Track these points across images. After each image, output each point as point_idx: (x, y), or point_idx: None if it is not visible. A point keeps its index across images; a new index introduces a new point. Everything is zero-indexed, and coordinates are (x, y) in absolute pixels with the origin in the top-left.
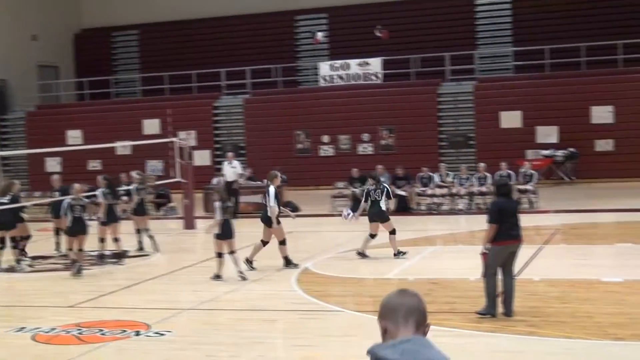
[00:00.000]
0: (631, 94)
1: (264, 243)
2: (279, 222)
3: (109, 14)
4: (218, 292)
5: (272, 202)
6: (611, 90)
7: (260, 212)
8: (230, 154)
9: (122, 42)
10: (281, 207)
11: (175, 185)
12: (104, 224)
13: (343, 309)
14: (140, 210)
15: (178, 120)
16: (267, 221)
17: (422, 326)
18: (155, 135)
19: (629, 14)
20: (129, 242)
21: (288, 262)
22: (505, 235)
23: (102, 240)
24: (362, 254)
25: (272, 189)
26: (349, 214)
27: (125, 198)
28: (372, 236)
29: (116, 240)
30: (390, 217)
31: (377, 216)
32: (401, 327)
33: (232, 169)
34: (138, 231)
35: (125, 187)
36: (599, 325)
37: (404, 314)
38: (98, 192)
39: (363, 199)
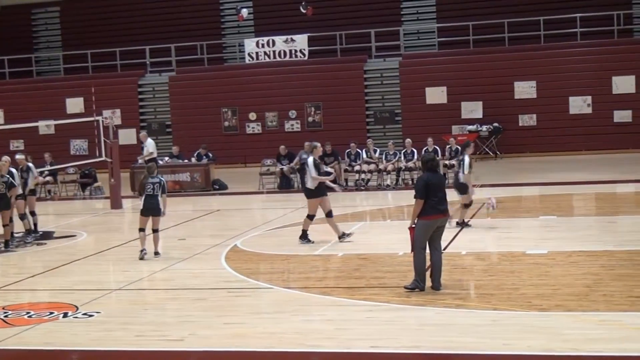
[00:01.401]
0: (553, 70)
1: (311, 217)
2: (320, 193)
3: None
4: (147, 272)
5: (313, 173)
6: (534, 65)
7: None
8: (142, 134)
9: (42, 19)
10: (327, 180)
11: (101, 165)
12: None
13: (273, 286)
14: (33, 192)
15: (102, 98)
16: (307, 194)
17: None
18: (79, 114)
19: None
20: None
21: (304, 236)
22: (432, 209)
23: (22, 217)
24: (461, 224)
25: (310, 160)
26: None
27: (41, 178)
28: (465, 206)
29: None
30: (466, 189)
31: (455, 186)
32: None
33: (145, 149)
34: (32, 213)
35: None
36: (524, 297)
37: None
38: (14, 172)
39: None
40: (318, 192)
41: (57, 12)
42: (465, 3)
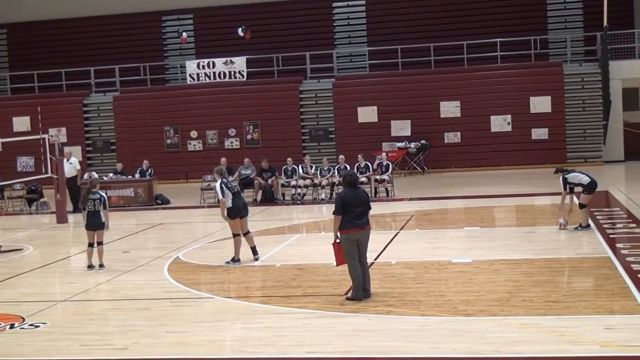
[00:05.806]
0: (476, 90)
1: (235, 235)
2: (228, 216)
3: None
4: (92, 284)
5: (219, 195)
6: (458, 87)
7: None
8: (66, 152)
9: None
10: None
11: (47, 181)
12: None
13: (213, 295)
14: None
15: (48, 117)
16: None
17: None
18: (25, 132)
19: (472, 17)
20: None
21: (233, 259)
22: (349, 224)
23: None
24: (585, 227)
25: (217, 185)
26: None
27: None
28: (581, 206)
29: None
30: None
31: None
32: None
33: (70, 166)
34: None
35: None
36: (450, 303)
37: None
38: None
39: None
40: (235, 212)
41: (5, 34)
42: (394, 28)
